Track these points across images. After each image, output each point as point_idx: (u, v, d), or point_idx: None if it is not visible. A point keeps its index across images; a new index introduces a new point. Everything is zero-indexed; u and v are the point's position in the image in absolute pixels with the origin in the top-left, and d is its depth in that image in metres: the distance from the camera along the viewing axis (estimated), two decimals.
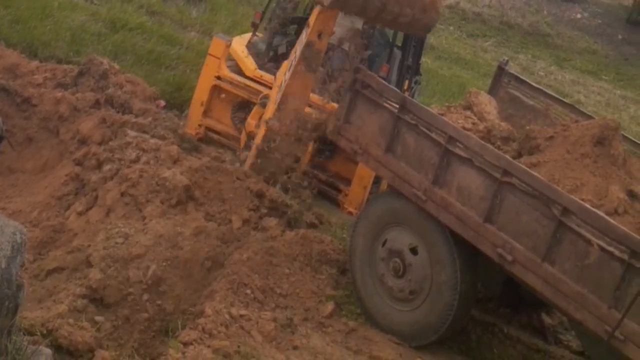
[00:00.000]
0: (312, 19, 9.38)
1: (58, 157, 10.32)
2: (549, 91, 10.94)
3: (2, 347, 4.59)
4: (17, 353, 4.76)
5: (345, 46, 11.45)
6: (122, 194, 9.02)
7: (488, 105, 9.51)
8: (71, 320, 6.53)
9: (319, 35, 9.43)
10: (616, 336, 6.37)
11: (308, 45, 9.40)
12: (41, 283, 7.76)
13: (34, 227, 8.78)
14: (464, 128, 8.28)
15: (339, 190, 10.71)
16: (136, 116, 10.65)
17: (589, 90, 21.19)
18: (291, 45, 11.65)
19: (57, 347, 5.78)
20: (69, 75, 11.34)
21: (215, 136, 11.20)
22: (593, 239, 6.57)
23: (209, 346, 6.77)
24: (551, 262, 6.84)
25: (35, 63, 11.61)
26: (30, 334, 5.70)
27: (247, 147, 10.48)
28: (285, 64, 9.81)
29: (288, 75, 9.57)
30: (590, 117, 9.58)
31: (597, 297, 6.53)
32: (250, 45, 11.20)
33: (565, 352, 8.84)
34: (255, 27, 11.36)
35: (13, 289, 4.63)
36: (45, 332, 5.84)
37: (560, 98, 10.51)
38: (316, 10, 9.33)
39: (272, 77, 10.62)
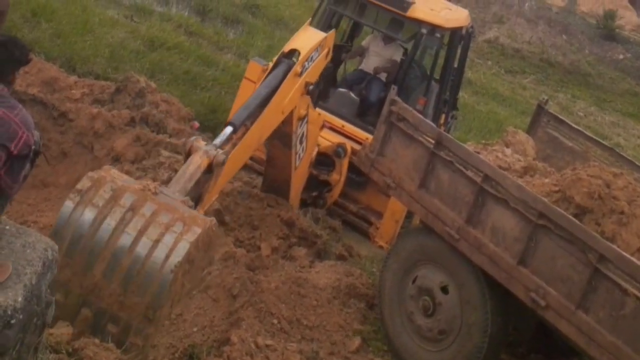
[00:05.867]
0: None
1: None
2: (589, 133, 10.83)
3: None
4: None
5: (382, 76, 11.46)
6: None
7: (526, 144, 9.42)
8: (97, 340, 6.48)
9: None
10: None
11: None
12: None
13: None
14: (500, 167, 8.20)
15: (370, 223, 10.63)
16: (170, 136, 10.65)
17: (629, 133, 20.95)
18: (326, 72, 11.63)
19: None
20: (106, 92, 11.36)
21: (248, 161, 11.16)
22: (630, 288, 6.44)
23: None
24: (585, 310, 6.72)
25: (73, 78, 11.64)
26: (56, 351, 5.66)
27: None
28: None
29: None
30: (630, 162, 9.46)
31: (633, 350, 6.39)
32: None
33: None
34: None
35: (42, 306, 4.65)
36: (71, 350, 5.78)
37: (600, 140, 10.41)
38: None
39: None
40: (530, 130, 10.15)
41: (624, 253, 6.67)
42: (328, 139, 10.22)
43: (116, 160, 10.18)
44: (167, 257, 6.00)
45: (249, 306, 7.81)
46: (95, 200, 6.17)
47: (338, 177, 10.26)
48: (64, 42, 12.59)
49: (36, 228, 8.42)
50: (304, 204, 10.06)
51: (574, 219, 7.03)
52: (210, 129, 11.99)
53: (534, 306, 7.07)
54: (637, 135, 21.04)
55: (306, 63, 8.42)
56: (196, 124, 11.72)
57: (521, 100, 20.73)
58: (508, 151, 9.05)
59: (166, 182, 9.17)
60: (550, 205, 7.13)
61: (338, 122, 10.69)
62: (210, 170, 6.87)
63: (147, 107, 11.09)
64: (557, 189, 7.70)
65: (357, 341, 8.02)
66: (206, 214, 8.80)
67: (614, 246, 6.77)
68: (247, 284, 8.16)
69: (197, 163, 6.79)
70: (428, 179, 8.05)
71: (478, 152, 8.38)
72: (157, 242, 6.04)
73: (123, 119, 10.77)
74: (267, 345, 7.34)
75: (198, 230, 6.14)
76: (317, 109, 9.70)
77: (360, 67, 11.92)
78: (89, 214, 6.10)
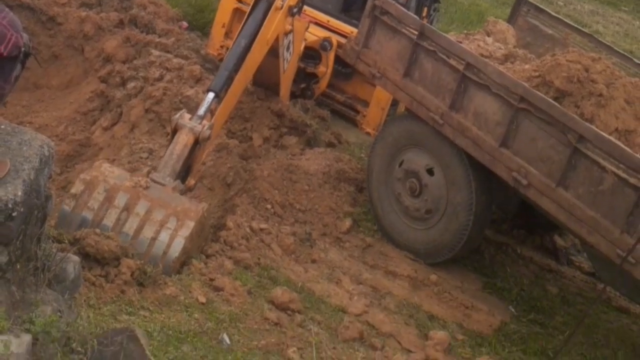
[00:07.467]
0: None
1: (83, 74, 10.47)
2: (568, 20, 10.96)
3: (32, 253, 4.69)
4: (46, 259, 4.84)
5: None
6: (146, 111, 9.21)
7: (506, 33, 9.56)
8: (98, 230, 6.73)
9: None
10: (628, 260, 6.44)
11: None
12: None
13: (60, 141, 8.97)
14: (481, 55, 8.35)
15: (357, 111, 10.82)
16: (159, 36, 10.74)
17: (607, 20, 20.91)
18: None
19: (84, 255, 5.91)
20: None
21: None
22: (608, 165, 6.61)
23: (230, 257, 7.00)
24: (565, 187, 6.91)
25: None
26: (59, 241, 5.81)
27: None
28: None
29: None
30: (609, 47, 9.64)
31: (610, 222, 6.60)
32: None
33: (577, 272, 9.11)
34: None
35: (42, 199, 4.67)
36: (73, 240, 5.97)
37: (579, 28, 10.54)
38: None
39: None
40: (511, 19, 10.24)
41: (602, 133, 6.84)
42: (314, 34, 10.32)
43: (107, 61, 10.31)
44: (165, 253, 6.26)
45: (243, 193, 8.06)
46: (90, 203, 6.36)
47: (325, 69, 10.39)
48: None
49: (32, 128, 8.60)
50: (292, 95, 10.18)
51: (553, 102, 7.16)
52: (198, 28, 12.05)
53: (517, 185, 7.26)
54: (615, 22, 20.96)
55: None
56: (184, 23, 11.79)
57: None
58: (489, 40, 9.18)
59: (158, 80, 9.50)
60: (530, 89, 7.24)
61: (323, 17, 10.75)
62: (197, 143, 6.96)
63: (134, 9, 11.16)
64: (537, 74, 7.79)
65: (347, 222, 8.29)
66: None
67: (593, 126, 6.92)
68: (241, 172, 8.41)
69: (183, 142, 6.86)
70: (412, 69, 8.17)
71: (460, 42, 8.51)
72: (153, 240, 6.27)
73: (112, 21, 10.86)
74: (261, 229, 7.60)
75: (191, 224, 6.35)
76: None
77: None
78: (86, 218, 6.32)
